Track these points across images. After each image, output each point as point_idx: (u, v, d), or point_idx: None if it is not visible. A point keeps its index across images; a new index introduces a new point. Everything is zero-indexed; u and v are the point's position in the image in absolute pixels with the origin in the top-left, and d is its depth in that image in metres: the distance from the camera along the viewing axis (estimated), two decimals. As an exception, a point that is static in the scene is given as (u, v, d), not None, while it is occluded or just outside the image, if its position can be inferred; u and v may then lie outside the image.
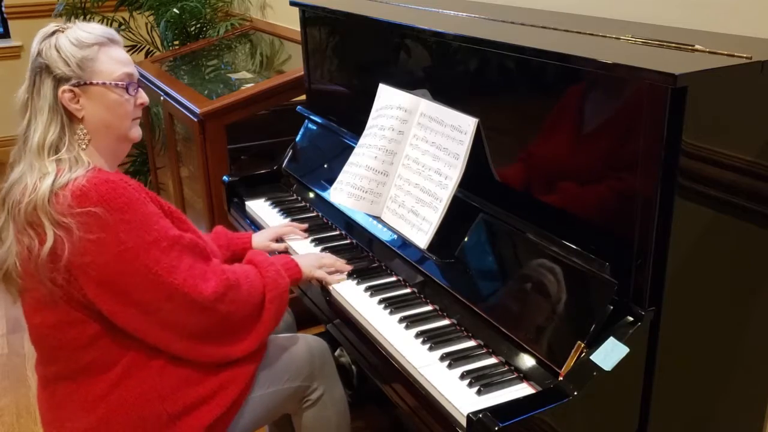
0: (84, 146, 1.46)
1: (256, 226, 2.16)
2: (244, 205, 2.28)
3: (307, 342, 1.72)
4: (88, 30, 1.47)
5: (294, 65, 3.02)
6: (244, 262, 1.65)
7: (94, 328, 1.43)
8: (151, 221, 1.41)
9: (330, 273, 1.76)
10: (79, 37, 1.45)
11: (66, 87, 1.43)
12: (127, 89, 1.49)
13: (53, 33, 1.46)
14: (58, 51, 1.43)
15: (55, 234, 1.34)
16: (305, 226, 2.04)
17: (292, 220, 2.11)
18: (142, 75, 3.40)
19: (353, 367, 2.25)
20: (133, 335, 1.44)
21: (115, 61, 1.48)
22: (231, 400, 1.53)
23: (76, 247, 1.35)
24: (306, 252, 1.91)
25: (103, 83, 1.46)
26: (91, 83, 1.45)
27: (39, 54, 1.45)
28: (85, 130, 1.46)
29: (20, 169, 1.44)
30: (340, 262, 1.79)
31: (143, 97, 1.54)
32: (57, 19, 4.24)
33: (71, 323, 1.43)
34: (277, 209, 2.20)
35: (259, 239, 1.95)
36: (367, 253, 1.88)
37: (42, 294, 1.40)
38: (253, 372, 1.58)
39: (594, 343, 1.27)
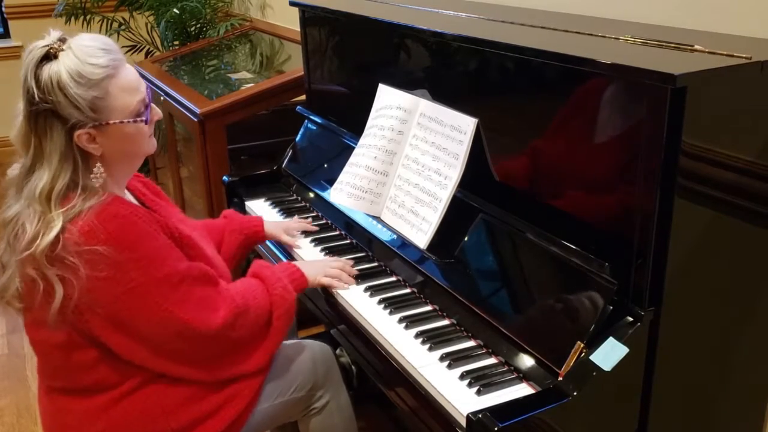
0: (98, 185, 1.38)
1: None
2: (244, 205, 2.28)
3: (312, 351, 1.71)
4: (90, 60, 1.33)
5: (294, 65, 3.02)
6: (249, 274, 1.63)
7: (98, 352, 1.41)
8: (161, 256, 1.38)
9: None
10: (82, 73, 1.31)
11: (81, 132, 1.33)
12: (145, 121, 1.42)
13: (46, 58, 1.32)
14: (64, 94, 1.30)
15: (63, 287, 1.30)
16: (315, 226, 2.04)
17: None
18: (142, 75, 3.40)
19: (353, 367, 2.24)
20: (140, 366, 1.43)
21: (127, 92, 1.38)
22: (236, 413, 1.52)
23: (82, 285, 1.31)
24: (309, 254, 1.91)
25: (120, 121, 1.37)
26: (108, 123, 1.36)
27: (39, 89, 1.30)
28: (101, 169, 1.39)
29: (17, 208, 1.35)
30: (347, 271, 1.75)
31: (157, 113, 1.48)
32: (57, 19, 4.25)
33: (75, 346, 1.40)
34: (277, 209, 2.20)
35: (271, 227, 1.95)
36: (367, 253, 1.88)
37: (45, 317, 1.36)
38: (259, 385, 1.57)
39: (594, 343, 1.27)
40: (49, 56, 1.33)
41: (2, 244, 1.40)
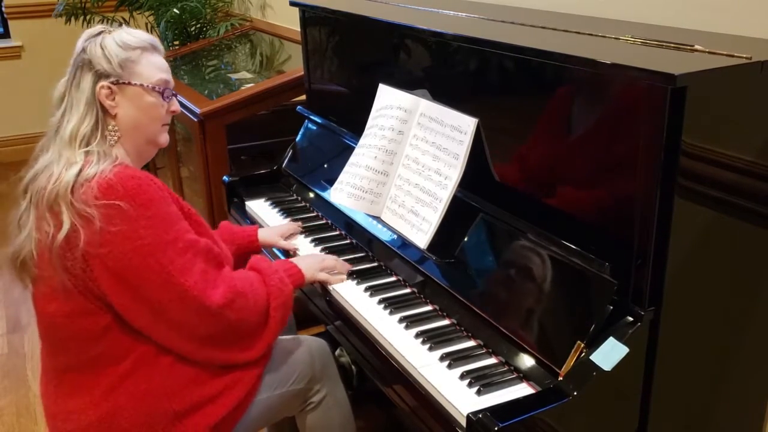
0: (113, 142, 1.50)
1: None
2: (244, 205, 2.28)
3: (309, 344, 1.73)
4: (134, 34, 1.54)
5: (294, 65, 3.02)
6: (247, 267, 1.65)
7: (106, 320, 1.44)
8: (171, 221, 1.44)
9: (332, 274, 1.77)
10: (124, 40, 1.51)
11: (104, 83, 1.48)
12: (162, 94, 1.54)
13: (99, 33, 1.52)
14: (102, 49, 1.49)
15: (71, 222, 1.37)
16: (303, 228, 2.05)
17: (293, 220, 2.11)
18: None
19: (353, 367, 2.25)
20: (142, 332, 1.46)
21: (155, 67, 1.54)
22: (237, 401, 1.53)
23: (95, 237, 1.37)
24: (306, 252, 1.91)
25: (141, 84, 1.51)
26: (129, 83, 1.50)
27: (83, 51, 1.50)
28: (116, 127, 1.50)
29: (47, 158, 1.47)
30: (341, 264, 1.79)
31: (176, 105, 1.60)
32: (57, 19, 4.26)
33: (85, 313, 1.44)
34: (277, 209, 2.20)
35: (265, 234, 1.97)
36: (367, 253, 1.88)
37: (57, 283, 1.41)
38: (259, 374, 1.58)
39: (594, 343, 1.27)
40: (102, 33, 1.53)
41: (22, 207, 1.49)
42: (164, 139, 1.60)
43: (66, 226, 1.37)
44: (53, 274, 1.41)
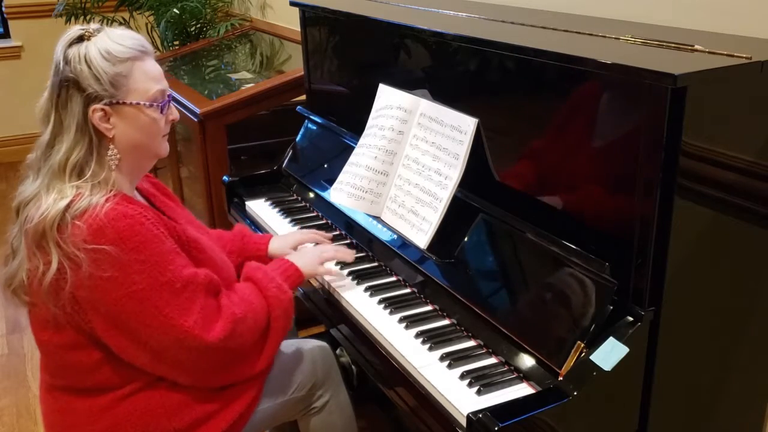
0: (113, 167, 1.39)
1: (256, 227, 2.16)
2: (244, 205, 2.28)
3: (311, 351, 1.71)
4: (120, 41, 1.38)
5: (294, 65, 3.03)
6: (242, 278, 1.60)
7: (100, 354, 1.41)
8: (166, 261, 1.36)
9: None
10: (110, 50, 1.36)
11: (97, 106, 1.36)
12: (161, 109, 1.44)
13: (80, 39, 1.37)
14: (89, 66, 1.34)
15: (59, 263, 1.30)
16: (330, 235, 1.95)
17: (293, 221, 2.11)
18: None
19: (353, 367, 2.25)
20: (141, 369, 1.42)
21: (149, 78, 1.41)
22: (238, 413, 1.51)
23: (84, 282, 1.31)
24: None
25: (137, 103, 1.40)
26: (124, 102, 1.38)
27: (66, 63, 1.35)
28: (115, 150, 1.40)
29: (36, 186, 1.37)
30: (341, 252, 1.75)
31: (174, 113, 1.50)
32: (57, 19, 4.26)
33: (77, 346, 1.40)
34: (277, 209, 2.20)
35: (277, 245, 1.86)
36: (367, 253, 1.88)
37: (49, 315, 1.37)
38: (261, 385, 1.57)
39: (594, 343, 1.27)
40: (83, 38, 1.38)
41: (15, 229, 1.42)
42: (165, 149, 1.50)
43: (53, 267, 1.30)
44: (45, 307, 1.36)
